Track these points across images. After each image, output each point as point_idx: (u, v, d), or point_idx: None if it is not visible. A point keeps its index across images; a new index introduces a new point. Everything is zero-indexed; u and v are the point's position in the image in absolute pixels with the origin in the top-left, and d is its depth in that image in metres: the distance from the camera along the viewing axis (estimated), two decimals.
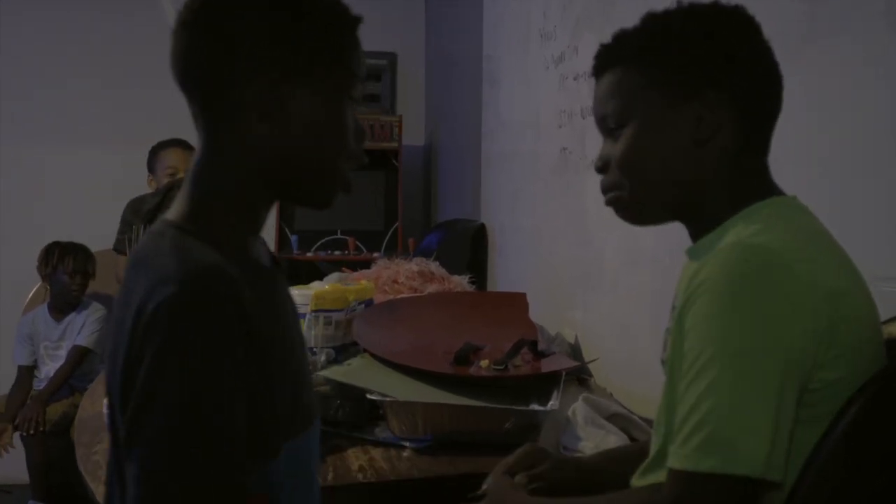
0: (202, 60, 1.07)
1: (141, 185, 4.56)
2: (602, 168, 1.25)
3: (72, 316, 4.12)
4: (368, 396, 1.84)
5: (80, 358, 4.03)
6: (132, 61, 4.70)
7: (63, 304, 4.14)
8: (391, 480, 1.67)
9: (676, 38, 1.19)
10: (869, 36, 1.50)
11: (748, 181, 1.18)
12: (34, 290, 4.44)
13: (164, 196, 3.33)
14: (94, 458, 1.79)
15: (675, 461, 1.03)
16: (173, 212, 1.10)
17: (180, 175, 3.44)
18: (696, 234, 1.22)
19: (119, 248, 3.60)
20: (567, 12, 2.84)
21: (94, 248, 4.19)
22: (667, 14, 1.21)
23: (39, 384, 4.06)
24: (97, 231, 4.34)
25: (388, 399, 1.82)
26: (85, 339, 4.06)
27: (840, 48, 1.58)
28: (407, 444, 1.80)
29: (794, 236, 1.08)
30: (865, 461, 1.01)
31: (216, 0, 1.06)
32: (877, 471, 1.02)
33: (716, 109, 1.15)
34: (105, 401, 2.04)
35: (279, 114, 1.07)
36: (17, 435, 3.95)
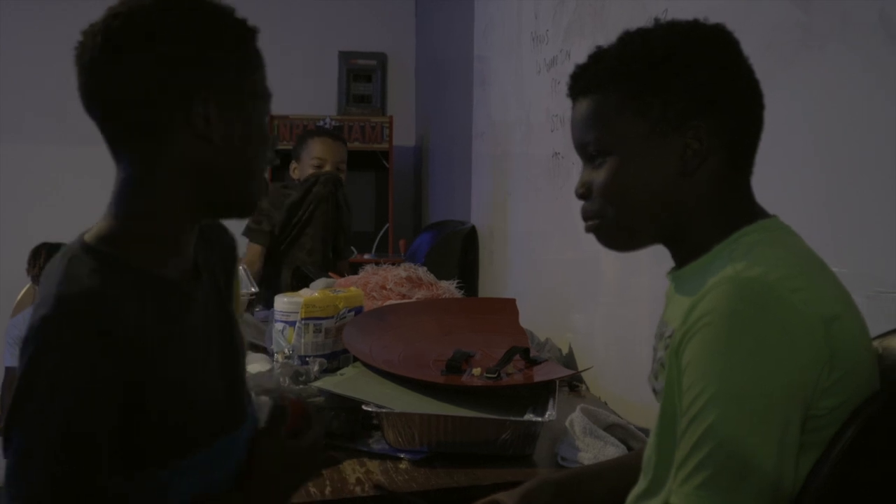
0: (124, 87, 1.13)
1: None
2: (584, 195, 1.22)
3: None
4: (364, 408, 1.84)
5: None
6: None
7: None
8: (389, 491, 1.66)
9: (659, 63, 1.14)
10: (863, 44, 1.51)
11: (735, 205, 1.16)
12: (23, 291, 4.44)
13: (305, 192, 3.25)
14: None
15: (677, 499, 1.02)
16: (94, 230, 1.17)
17: (327, 168, 3.31)
18: (680, 259, 1.21)
19: (251, 237, 3.33)
20: (558, 16, 2.85)
21: None
22: (646, 35, 1.18)
23: None
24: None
25: (384, 410, 1.81)
26: None
27: (835, 56, 1.58)
28: (403, 455, 1.79)
29: (786, 264, 1.07)
30: (861, 485, 1.01)
31: (121, 32, 1.11)
32: (872, 494, 1.02)
33: (704, 138, 1.13)
34: None
35: (205, 129, 1.14)
36: None
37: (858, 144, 1.53)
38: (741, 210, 1.16)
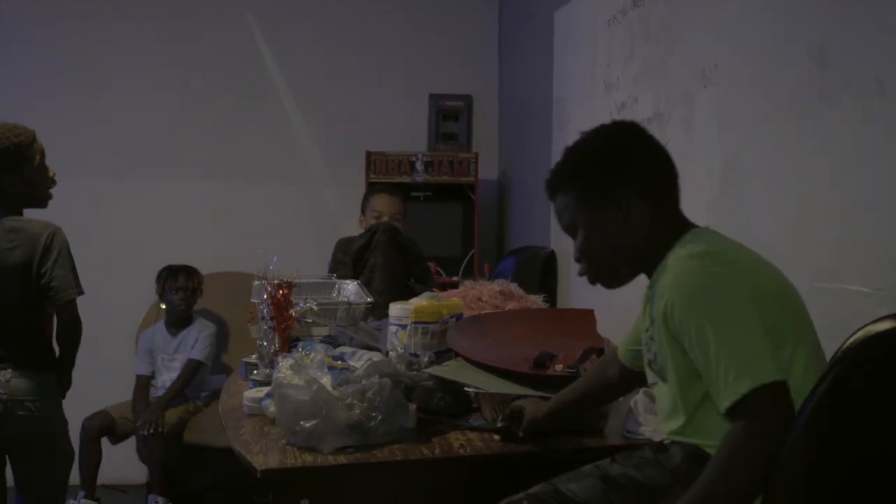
0: None
1: (249, 213, 5.00)
2: (578, 259, 1.81)
3: (185, 332, 4.60)
4: (465, 389, 2.22)
5: (193, 371, 4.51)
6: (234, 102, 5.16)
7: (174, 319, 4.63)
8: (486, 454, 2.05)
9: (583, 168, 1.77)
10: (863, 98, 1.90)
11: (670, 229, 1.71)
12: (146, 310, 4.93)
13: (370, 238, 3.69)
14: (243, 438, 2.16)
15: (725, 402, 1.46)
16: None
17: (384, 218, 3.78)
18: (651, 277, 1.75)
19: None
20: (627, 68, 3.21)
21: (205, 272, 4.68)
22: (573, 148, 1.80)
23: (156, 392, 4.54)
24: (210, 255, 4.83)
25: (482, 391, 2.20)
26: (199, 353, 4.53)
27: (843, 106, 1.97)
28: (494, 429, 2.14)
29: (714, 242, 1.68)
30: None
31: None
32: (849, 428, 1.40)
33: (627, 200, 1.70)
34: (245, 393, 2.45)
35: None
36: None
37: (859, 173, 1.92)
38: (676, 229, 1.72)
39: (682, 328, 1.55)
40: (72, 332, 2.98)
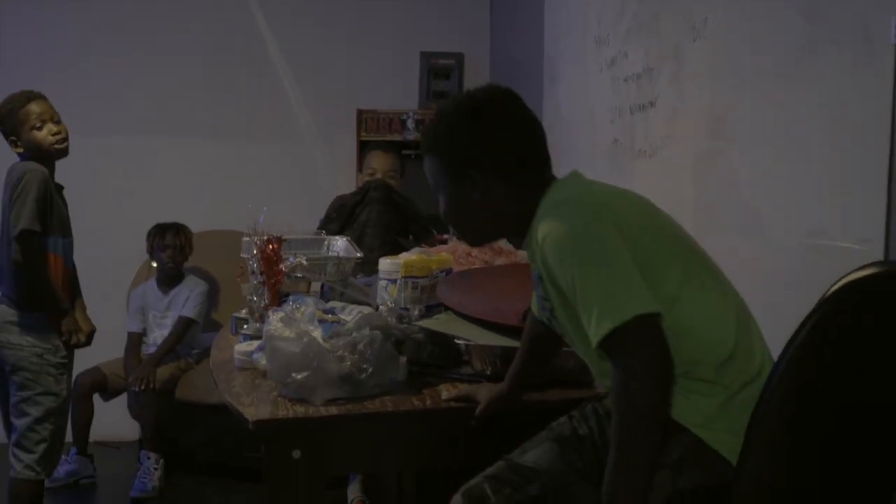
0: None
1: (241, 172, 5.00)
2: (443, 219, 1.88)
3: (176, 290, 4.62)
4: (456, 341, 2.24)
5: (184, 329, 4.53)
6: (224, 61, 5.14)
7: (165, 277, 4.64)
8: (475, 405, 2.07)
9: (446, 138, 1.77)
10: (851, 50, 1.90)
11: (532, 192, 1.71)
12: (138, 267, 4.95)
13: (363, 195, 3.74)
14: (234, 390, 2.17)
15: (594, 343, 1.46)
16: None
17: (378, 175, 3.83)
18: (518, 243, 1.80)
19: None
20: (618, 22, 3.21)
21: (197, 230, 4.68)
22: (442, 111, 1.82)
23: (148, 349, 4.56)
24: (201, 213, 4.83)
25: (471, 343, 2.23)
26: (190, 310, 4.55)
27: (832, 58, 1.98)
28: (485, 379, 2.18)
29: (572, 187, 1.70)
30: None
31: None
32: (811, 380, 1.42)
33: (481, 179, 1.72)
34: (236, 347, 2.46)
35: None
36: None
37: (848, 127, 1.93)
38: (541, 189, 1.71)
39: (560, 280, 1.56)
40: (19, 266, 3.02)
